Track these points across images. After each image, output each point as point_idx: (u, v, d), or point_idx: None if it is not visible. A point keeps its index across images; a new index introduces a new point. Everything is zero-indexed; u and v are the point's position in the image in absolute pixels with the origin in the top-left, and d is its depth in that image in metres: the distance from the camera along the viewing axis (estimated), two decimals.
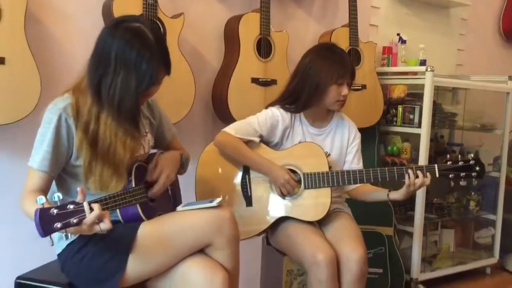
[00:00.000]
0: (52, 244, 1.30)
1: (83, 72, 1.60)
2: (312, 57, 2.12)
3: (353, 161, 2.22)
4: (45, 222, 1.23)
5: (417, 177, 2.01)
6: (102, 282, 1.57)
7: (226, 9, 2.77)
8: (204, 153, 2.16)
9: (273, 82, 2.67)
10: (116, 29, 1.53)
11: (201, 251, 1.63)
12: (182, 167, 1.89)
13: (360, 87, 3.01)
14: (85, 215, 1.31)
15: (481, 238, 3.64)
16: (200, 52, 2.71)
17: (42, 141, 1.55)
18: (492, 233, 3.58)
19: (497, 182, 3.51)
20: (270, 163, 2.08)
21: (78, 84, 1.61)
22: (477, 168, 2.09)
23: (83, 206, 1.31)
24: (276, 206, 2.10)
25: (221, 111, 2.67)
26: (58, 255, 1.69)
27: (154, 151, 1.88)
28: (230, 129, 2.10)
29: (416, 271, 3.06)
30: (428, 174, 2.03)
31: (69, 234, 1.31)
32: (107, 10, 2.26)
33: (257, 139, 2.11)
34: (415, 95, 3.17)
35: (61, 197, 1.30)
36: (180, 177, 1.99)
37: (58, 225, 1.24)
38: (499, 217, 3.54)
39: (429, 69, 2.98)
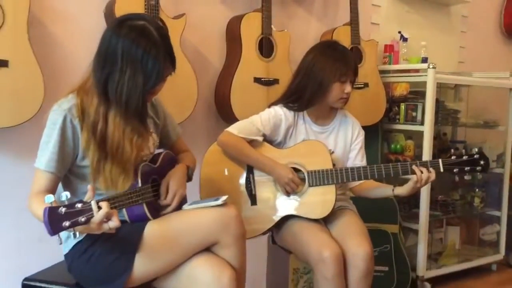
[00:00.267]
0: (61, 243, 1.31)
1: (87, 72, 1.61)
2: (315, 55, 2.12)
3: (356, 158, 2.22)
4: (54, 221, 1.23)
5: (421, 172, 2.01)
6: (110, 282, 1.57)
7: (227, 9, 2.77)
8: (208, 153, 2.16)
9: (276, 81, 2.67)
10: (121, 27, 1.53)
11: (208, 249, 1.64)
12: (189, 179, 1.89)
13: (362, 85, 3.02)
14: (93, 213, 1.31)
15: (486, 235, 3.63)
16: (202, 52, 2.72)
17: (48, 142, 1.55)
18: (497, 230, 3.57)
19: (501, 179, 3.51)
20: (274, 162, 2.08)
21: (83, 84, 1.62)
22: (482, 162, 2.08)
23: (91, 205, 1.31)
24: (281, 205, 2.10)
25: (224, 111, 2.67)
26: (65, 255, 1.69)
27: (160, 150, 1.88)
28: (233, 128, 2.10)
29: (422, 269, 3.05)
30: (432, 169, 2.03)
31: (77, 233, 1.31)
32: (109, 12, 2.27)
33: (260, 138, 2.12)
34: (417, 93, 3.17)
35: (69, 196, 1.30)
36: None
37: (67, 223, 1.24)
38: (504, 214, 3.54)
39: (431, 66, 2.98)
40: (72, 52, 2.34)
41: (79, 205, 1.29)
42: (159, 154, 1.84)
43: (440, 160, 2.06)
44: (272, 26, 2.67)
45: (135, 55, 1.51)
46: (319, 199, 2.06)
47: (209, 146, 2.17)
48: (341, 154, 2.20)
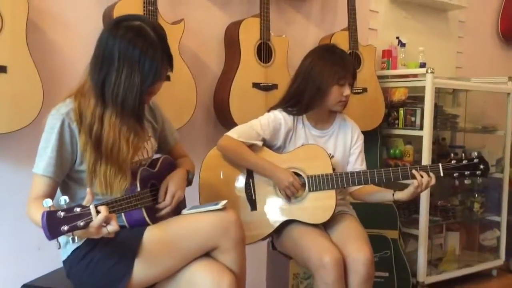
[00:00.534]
0: (59, 248, 1.29)
1: (84, 75, 1.60)
2: (313, 58, 2.13)
3: (356, 162, 2.21)
4: (52, 225, 1.22)
5: (422, 177, 2.01)
6: (109, 287, 1.55)
7: (226, 15, 2.78)
8: (207, 157, 2.15)
9: (274, 86, 2.67)
10: (117, 28, 1.53)
11: (207, 254, 1.62)
12: (189, 183, 1.88)
13: (361, 91, 3.02)
14: (91, 218, 1.30)
15: (486, 240, 3.62)
16: (201, 58, 2.72)
17: (46, 147, 1.54)
18: (497, 235, 3.56)
19: (500, 184, 3.50)
20: (274, 166, 2.07)
21: (80, 88, 1.61)
22: (482, 167, 2.08)
23: (89, 209, 1.30)
24: (281, 210, 2.09)
25: (222, 116, 2.67)
26: (64, 261, 1.67)
27: (159, 155, 1.87)
28: (233, 133, 2.10)
29: (422, 275, 3.04)
30: (432, 174, 2.03)
31: (76, 238, 1.30)
32: (107, 17, 2.28)
33: (260, 143, 2.11)
34: (416, 98, 3.17)
35: (67, 201, 1.29)
36: None
37: (65, 228, 1.23)
38: (503, 219, 3.52)
39: (429, 71, 2.98)
40: (70, 57, 2.34)
41: (77, 209, 1.28)
42: (158, 158, 1.83)
43: (440, 165, 2.06)
44: (271, 31, 2.67)
45: (132, 56, 1.51)
46: (319, 204, 2.05)
47: (207, 151, 2.17)
48: (340, 158, 2.20)
